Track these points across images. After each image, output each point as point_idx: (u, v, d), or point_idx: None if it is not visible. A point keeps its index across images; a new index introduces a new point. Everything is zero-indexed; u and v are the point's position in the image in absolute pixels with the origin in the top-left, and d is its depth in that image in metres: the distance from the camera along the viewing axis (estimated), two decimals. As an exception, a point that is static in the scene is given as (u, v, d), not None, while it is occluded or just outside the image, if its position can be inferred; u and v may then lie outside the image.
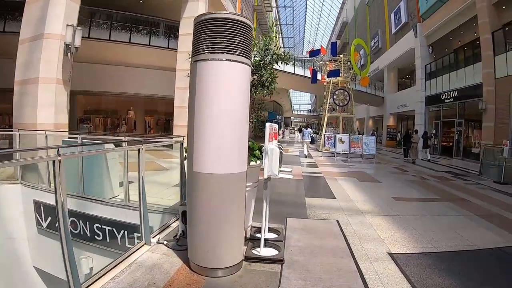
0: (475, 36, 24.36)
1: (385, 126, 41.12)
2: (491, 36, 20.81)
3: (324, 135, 22.30)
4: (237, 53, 3.87)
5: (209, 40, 3.84)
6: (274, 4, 56.41)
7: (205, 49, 3.85)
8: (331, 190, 9.49)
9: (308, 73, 28.44)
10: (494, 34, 20.70)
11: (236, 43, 3.86)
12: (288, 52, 7.77)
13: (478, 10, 21.85)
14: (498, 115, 20.04)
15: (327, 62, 28.53)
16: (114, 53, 21.43)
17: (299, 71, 28.99)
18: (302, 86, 35.72)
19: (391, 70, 41.25)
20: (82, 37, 11.67)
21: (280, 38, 79.29)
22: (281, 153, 4.80)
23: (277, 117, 55.68)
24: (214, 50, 3.81)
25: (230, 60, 3.85)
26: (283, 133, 58.88)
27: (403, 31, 35.95)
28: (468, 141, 24.97)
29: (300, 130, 29.83)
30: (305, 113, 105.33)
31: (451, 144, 26.98)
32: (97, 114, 34.22)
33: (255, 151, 5.47)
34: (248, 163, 4.81)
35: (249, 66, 4.13)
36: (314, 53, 28.65)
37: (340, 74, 26.26)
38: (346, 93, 25.75)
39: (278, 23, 72.25)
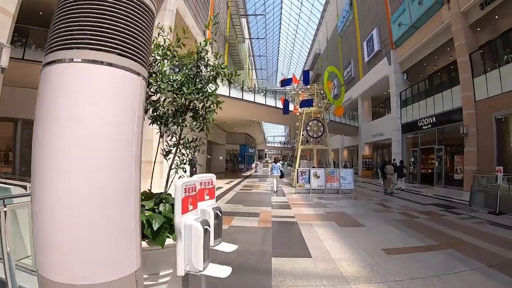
0: (451, 59, 23.77)
1: (361, 156, 39.99)
2: (469, 58, 20.01)
3: (297, 170, 20.50)
4: (114, 50, 2.08)
5: (64, 29, 2.06)
6: (247, 36, 55.79)
7: (57, 43, 2.06)
8: (306, 243, 7.51)
9: (280, 104, 26.91)
10: (472, 56, 19.92)
11: (112, 33, 2.09)
12: (235, 69, 5.65)
13: (454, 33, 21.12)
14: (481, 139, 19.07)
15: (299, 92, 27.07)
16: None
17: (270, 102, 27.47)
18: (274, 118, 34.23)
19: (365, 99, 40.46)
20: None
21: (254, 70, 78.89)
22: (218, 223, 3.26)
23: (250, 150, 54.01)
24: (71, 44, 2.03)
25: (95, 62, 2.04)
26: (256, 166, 57.37)
27: (376, 59, 35.33)
28: (449, 167, 23.89)
29: (276, 161, 28.38)
30: (279, 145, 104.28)
31: (430, 171, 26.06)
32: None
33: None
34: (161, 243, 2.97)
35: (143, 77, 2.32)
36: (285, 82, 27.32)
37: (314, 104, 24.75)
38: (320, 123, 24.18)
39: (252, 54, 71.86)
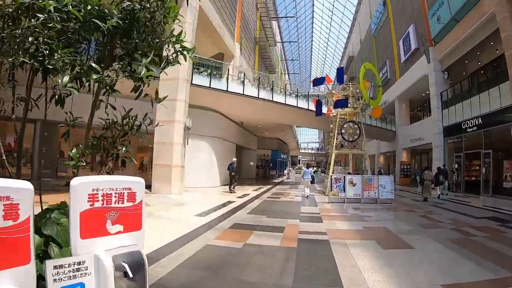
0: (497, 53, 21.29)
1: (398, 163, 37.38)
2: (519, 49, 17.47)
3: (331, 176, 18.43)
4: None
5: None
6: (278, 39, 54.35)
7: None
8: (339, 274, 5.59)
9: (312, 106, 25.01)
10: (523, 46, 17.39)
11: None
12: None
13: (499, 22, 18.80)
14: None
15: (333, 92, 25.07)
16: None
17: (302, 104, 25.62)
18: (306, 121, 32.35)
19: (402, 101, 38.01)
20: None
21: (287, 75, 77.33)
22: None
23: (282, 155, 52.07)
24: None
25: None
26: (288, 173, 55.50)
27: (414, 58, 32.96)
28: (498, 174, 21.34)
29: (307, 167, 26.57)
30: (313, 152, 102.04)
31: (475, 179, 23.71)
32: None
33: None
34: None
35: None
36: (318, 81, 25.58)
37: (349, 104, 22.77)
38: (356, 126, 22.17)
39: (284, 58, 70.33)
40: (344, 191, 16.84)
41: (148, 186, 18.16)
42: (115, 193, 2.33)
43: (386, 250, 7.32)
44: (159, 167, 17.38)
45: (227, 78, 21.76)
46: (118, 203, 2.32)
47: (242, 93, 21.69)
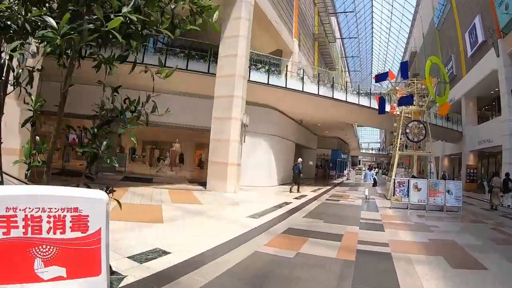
0: None
1: (464, 166, 34.52)
2: None
3: (394, 179, 17.06)
4: None
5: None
6: (337, 35, 53.01)
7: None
8: None
9: (374, 104, 23.77)
10: None
11: None
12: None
13: None
14: None
15: (396, 88, 23.61)
16: (148, 78, 18.79)
17: (364, 102, 24.43)
18: (368, 120, 31.02)
19: (469, 99, 35.12)
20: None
21: (347, 72, 75.56)
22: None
23: (342, 155, 50.58)
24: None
25: None
26: (348, 173, 53.96)
27: (481, 51, 30.37)
28: None
29: (370, 169, 25.46)
30: (374, 152, 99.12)
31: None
32: (149, 144, 34.35)
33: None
34: None
35: None
36: (381, 77, 24.30)
37: (414, 102, 21.36)
38: (421, 125, 20.76)
39: (344, 55, 68.69)
40: (408, 196, 15.63)
41: (203, 183, 18.00)
42: (49, 215, 1.64)
43: (456, 270, 6.40)
44: (214, 164, 17.14)
45: (286, 75, 21.18)
46: (55, 232, 1.65)
47: (301, 90, 20.97)
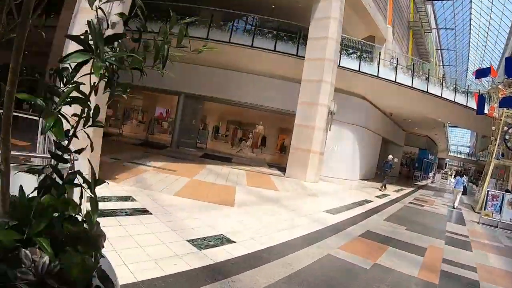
0: None
1: None
2: None
3: (487, 191, 14.95)
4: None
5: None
6: (433, 25, 49.44)
7: None
8: None
9: (472, 103, 21.46)
10: None
11: None
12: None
13: None
14: None
15: (499, 87, 20.97)
16: (236, 58, 18.93)
17: (460, 99, 22.16)
18: (462, 120, 28.15)
19: None
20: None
21: (441, 66, 70.67)
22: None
23: (429, 156, 47.08)
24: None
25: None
26: (433, 176, 50.19)
27: None
28: None
29: (460, 175, 23.29)
30: (462, 157, 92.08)
31: None
32: (233, 124, 34.16)
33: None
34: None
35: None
36: (481, 72, 22.03)
37: (519, 105, 18.87)
38: (525, 133, 18.45)
39: (439, 48, 64.42)
40: (500, 212, 13.72)
41: (283, 169, 17.41)
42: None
43: None
44: (296, 150, 16.43)
45: (378, 63, 19.80)
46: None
47: (394, 80, 19.45)
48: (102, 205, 6.39)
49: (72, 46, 8.48)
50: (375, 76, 18.82)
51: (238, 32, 18.68)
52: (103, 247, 1.38)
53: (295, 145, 16.54)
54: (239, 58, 18.88)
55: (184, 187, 9.78)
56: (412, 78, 20.17)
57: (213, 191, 10.07)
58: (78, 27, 8.28)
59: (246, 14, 19.36)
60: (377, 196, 15.96)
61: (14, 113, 1.27)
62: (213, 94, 20.51)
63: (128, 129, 25.30)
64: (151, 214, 6.63)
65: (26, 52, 1.25)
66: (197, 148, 21.86)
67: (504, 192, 14.71)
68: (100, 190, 7.39)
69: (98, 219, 1.40)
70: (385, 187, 19.48)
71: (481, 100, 19.97)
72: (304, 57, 17.03)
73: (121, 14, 1.71)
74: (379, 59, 20.13)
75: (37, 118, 3.82)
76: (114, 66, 1.52)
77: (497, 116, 20.23)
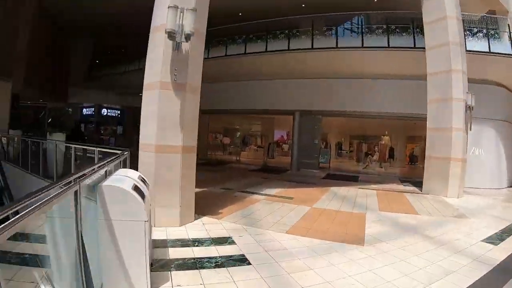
0: None
1: None
2: None
3: None
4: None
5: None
6: None
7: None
8: None
9: None
10: None
11: None
12: None
13: None
14: None
15: None
16: (345, 63, 17.17)
17: None
18: None
19: None
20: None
21: None
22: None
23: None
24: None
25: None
26: None
27: None
28: None
29: None
30: None
31: None
32: (356, 138, 31.72)
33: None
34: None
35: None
36: None
37: None
38: None
39: None
40: None
41: (417, 183, 14.79)
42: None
43: None
44: (432, 160, 13.50)
45: (510, 37, 15.87)
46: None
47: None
48: (188, 252, 5.49)
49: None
50: (509, 55, 15.12)
51: (345, 35, 16.81)
52: None
53: (430, 153, 13.69)
54: (349, 63, 16.96)
55: (301, 219, 8.06)
56: None
57: (336, 222, 8.12)
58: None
59: (349, 14, 17.32)
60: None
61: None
62: (330, 107, 18.63)
63: (246, 155, 24.57)
64: (249, 264, 5.07)
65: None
66: (320, 168, 20.08)
67: None
68: (194, 232, 6.67)
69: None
70: None
71: None
72: (422, 48, 14.34)
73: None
74: (510, 32, 16.20)
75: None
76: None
77: None
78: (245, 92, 20.09)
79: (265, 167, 20.15)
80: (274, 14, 17.37)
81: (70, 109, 31.45)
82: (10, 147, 16.19)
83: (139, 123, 7.33)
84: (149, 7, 7.67)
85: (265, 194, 11.00)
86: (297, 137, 19.41)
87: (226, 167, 19.36)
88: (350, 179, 17.00)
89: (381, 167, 23.77)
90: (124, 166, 5.71)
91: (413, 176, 18.73)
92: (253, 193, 11.10)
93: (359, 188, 13.91)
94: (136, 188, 3.99)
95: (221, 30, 18.71)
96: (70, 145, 10.51)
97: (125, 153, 5.91)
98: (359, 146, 30.54)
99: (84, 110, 31.49)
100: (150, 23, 7.54)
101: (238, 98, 20.28)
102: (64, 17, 23.61)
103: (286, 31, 17.33)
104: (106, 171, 4.34)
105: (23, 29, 19.04)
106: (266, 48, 17.59)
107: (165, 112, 6.97)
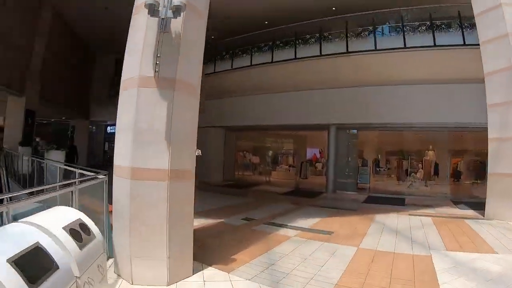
0: None
1: None
2: None
3: None
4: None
5: None
6: None
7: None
8: None
9: None
10: None
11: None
12: None
13: None
14: None
15: None
16: (385, 67, 14.64)
17: None
18: None
19: None
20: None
21: None
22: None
23: None
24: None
25: None
26: None
27: None
28: None
29: None
30: None
31: None
32: (394, 154, 27.21)
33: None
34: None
35: None
36: None
37: None
38: None
39: None
40: None
41: (473, 205, 12.17)
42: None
43: None
44: (496, 177, 10.80)
45: None
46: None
47: None
48: None
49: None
50: None
51: (384, 35, 14.47)
52: None
53: (495, 169, 10.83)
54: (390, 67, 14.41)
55: (347, 272, 5.51)
56: None
57: (397, 275, 5.47)
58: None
59: (386, 12, 14.90)
60: None
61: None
62: (367, 119, 15.95)
63: (277, 175, 22.10)
64: None
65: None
66: (358, 189, 17.53)
67: None
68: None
69: None
70: None
71: None
72: (474, 45, 11.82)
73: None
74: None
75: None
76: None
77: None
78: (273, 106, 17.75)
79: (296, 190, 17.80)
80: (303, 19, 15.46)
81: (93, 127, 30.19)
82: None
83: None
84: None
85: (297, 228, 8.57)
86: (333, 154, 16.88)
87: (253, 190, 17.10)
88: (395, 202, 14.32)
89: (426, 186, 20.86)
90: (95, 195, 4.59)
91: (464, 195, 16.35)
92: (281, 225, 8.74)
93: (410, 214, 11.25)
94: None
95: (246, 39, 16.79)
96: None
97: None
98: (399, 163, 27.39)
99: (109, 128, 30.01)
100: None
101: (266, 113, 18.02)
102: (87, 34, 22.87)
103: (317, 35, 15.18)
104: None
105: (39, 43, 17.88)
106: (295, 55, 15.45)
107: (144, 119, 4.73)
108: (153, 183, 4.71)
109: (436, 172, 22.30)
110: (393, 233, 8.56)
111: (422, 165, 22.11)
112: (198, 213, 9.43)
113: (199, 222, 8.54)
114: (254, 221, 9.10)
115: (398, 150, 27.31)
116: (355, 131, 17.41)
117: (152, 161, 4.71)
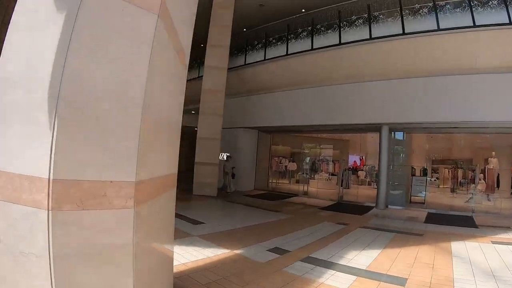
0: None
1: None
2: None
3: None
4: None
5: None
6: None
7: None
8: None
9: None
10: None
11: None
12: None
13: None
14: None
15: None
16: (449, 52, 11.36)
17: None
18: None
19: None
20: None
21: None
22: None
23: None
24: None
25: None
26: None
27: None
28: None
29: None
30: None
31: None
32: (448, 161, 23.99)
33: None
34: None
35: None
36: None
37: None
38: None
39: None
40: None
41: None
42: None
43: None
44: None
45: None
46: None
47: None
48: None
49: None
50: None
51: (447, 11, 11.31)
52: None
53: None
54: (453, 50, 11.23)
55: None
56: None
57: None
58: None
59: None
60: None
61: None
62: (420, 118, 12.48)
63: (316, 185, 18.97)
64: None
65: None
66: (411, 203, 14.39)
67: None
68: None
69: None
70: None
71: None
72: None
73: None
74: None
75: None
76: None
77: None
78: (315, 102, 14.78)
79: (340, 203, 14.87)
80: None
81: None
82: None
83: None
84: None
85: (351, 270, 5.66)
86: (385, 161, 13.63)
87: (287, 203, 14.26)
88: (463, 222, 11.09)
89: (489, 200, 17.22)
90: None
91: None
92: (326, 264, 5.87)
93: (493, 242, 8.12)
94: None
95: (281, 24, 14.18)
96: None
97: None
98: (454, 173, 23.51)
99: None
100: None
101: (306, 111, 15.11)
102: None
103: (365, 15, 12.27)
104: None
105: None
106: (339, 40, 12.57)
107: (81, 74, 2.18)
108: (100, 212, 2.22)
109: (497, 183, 18.66)
110: (489, 276, 5.56)
111: (484, 176, 18.36)
112: (210, 236, 6.70)
113: (205, 254, 5.89)
114: (287, 255, 6.28)
115: (455, 157, 23.71)
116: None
117: (98, 166, 2.16)
